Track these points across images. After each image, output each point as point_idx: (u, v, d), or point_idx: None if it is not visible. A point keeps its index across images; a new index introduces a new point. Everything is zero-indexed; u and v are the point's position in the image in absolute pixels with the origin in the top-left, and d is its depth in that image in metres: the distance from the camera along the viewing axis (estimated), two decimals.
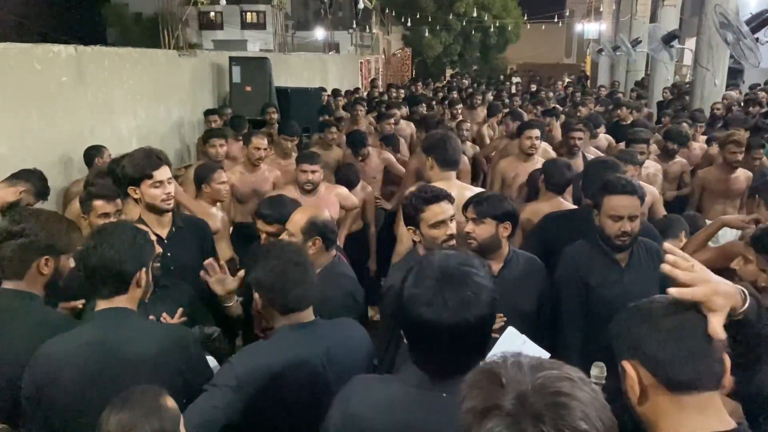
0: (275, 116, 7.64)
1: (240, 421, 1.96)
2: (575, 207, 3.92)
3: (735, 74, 12.48)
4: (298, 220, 2.74)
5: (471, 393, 1.07)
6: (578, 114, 8.66)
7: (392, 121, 7.06)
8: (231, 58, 8.74)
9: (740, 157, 5.01)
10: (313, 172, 4.28)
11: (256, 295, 2.14)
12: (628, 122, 7.77)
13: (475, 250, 2.79)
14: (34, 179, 3.89)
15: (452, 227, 2.73)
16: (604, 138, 6.89)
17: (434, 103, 11.66)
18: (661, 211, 4.46)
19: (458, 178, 3.71)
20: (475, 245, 2.83)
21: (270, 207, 3.08)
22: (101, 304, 2.06)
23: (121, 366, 1.94)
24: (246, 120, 7.18)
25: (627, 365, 1.40)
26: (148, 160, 2.89)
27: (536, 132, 5.02)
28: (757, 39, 6.61)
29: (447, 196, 2.75)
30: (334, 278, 2.70)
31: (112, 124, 6.14)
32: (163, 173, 2.89)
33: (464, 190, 3.37)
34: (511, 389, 1.03)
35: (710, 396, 1.34)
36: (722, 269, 2.67)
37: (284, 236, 2.73)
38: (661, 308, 1.42)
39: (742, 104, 8.62)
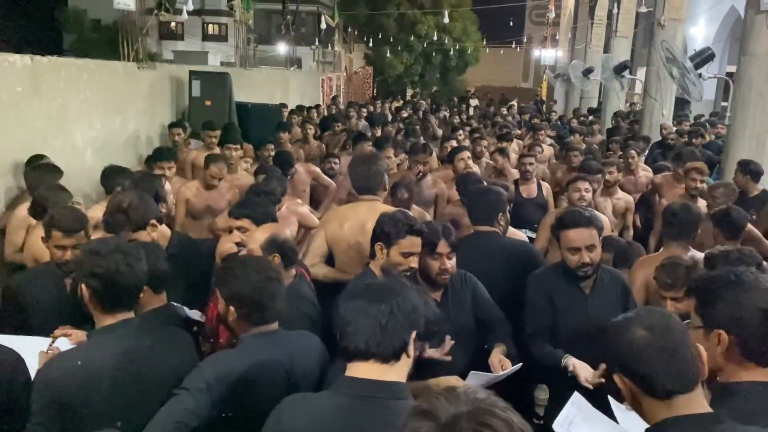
0: (214, 139, 6.97)
1: (211, 423, 2.02)
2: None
3: (683, 105, 13.01)
4: (258, 237, 2.80)
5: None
6: (539, 138, 8.89)
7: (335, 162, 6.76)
8: (191, 72, 8.69)
9: (702, 185, 5.13)
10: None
11: (229, 308, 2.18)
12: (582, 148, 8.03)
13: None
14: None
15: (416, 261, 2.84)
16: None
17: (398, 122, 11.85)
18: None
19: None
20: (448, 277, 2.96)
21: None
22: (112, 318, 2.12)
23: (150, 372, 2.09)
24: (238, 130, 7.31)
25: (617, 378, 1.60)
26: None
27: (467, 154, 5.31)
28: (699, 75, 6.94)
29: (424, 232, 2.85)
30: (293, 300, 2.72)
31: (66, 134, 6.05)
32: None
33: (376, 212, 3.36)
34: (444, 414, 1.10)
35: (693, 395, 1.53)
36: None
37: (243, 254, 2.77)
38: (635, 324, 1.58)
39: (685, 136, 8.99)
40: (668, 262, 2.96)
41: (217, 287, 2.25)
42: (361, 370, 1.69)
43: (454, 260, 2.97)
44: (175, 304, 2.76)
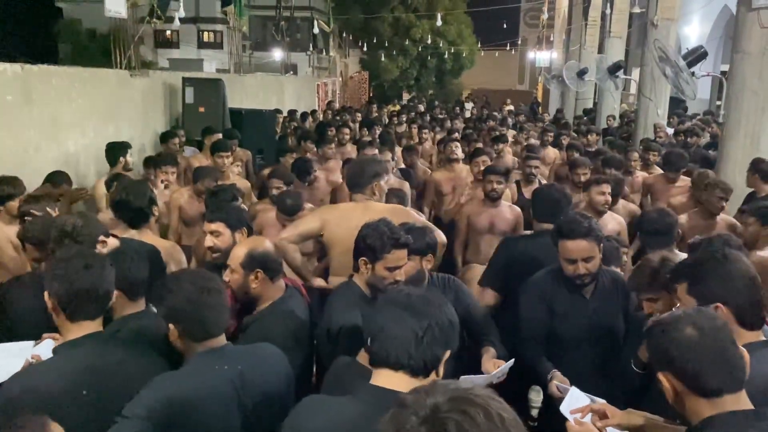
0: (176, 146, 7.16)
1: None
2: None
3: (677, 104, 13.02)
4: (236, 254, 2.68)
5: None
6: (527, 140, 8.91)
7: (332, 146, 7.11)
8: (184, 79, 8.69)
9: (725, 205, 4.69)
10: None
11: (170, 327, 2.08)
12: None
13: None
14: None
15: (402, 273, 2.75)
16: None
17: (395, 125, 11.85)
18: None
19: None
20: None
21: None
22: (78, 329, 2.06)
23: (116, 389, 1.98)
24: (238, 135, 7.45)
25: (662, 377, 1.62)
26: None
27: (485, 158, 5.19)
28: (693, 73, 6.94)
29: (410, 244, 2.77)
30: (279, 316, 2.65)
31: (59, 142, 6.04)
32: None
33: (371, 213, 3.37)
34: (422, 407, 1.11)
35: (739, 394, 1.57)
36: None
37: (226, 274, 2.67)
38: (684, 323, 1.61)
39: (681, 135, 9.00)
40: (637, 265, 2.93)
41: (154, 306, 2.16)
42: (387, 379, 1.64)
43: (411, 264, 2.88)
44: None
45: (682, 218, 5.12)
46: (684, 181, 5.85)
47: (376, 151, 6.42)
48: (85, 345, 2.05)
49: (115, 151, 5.64)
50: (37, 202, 3.59)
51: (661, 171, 6.37)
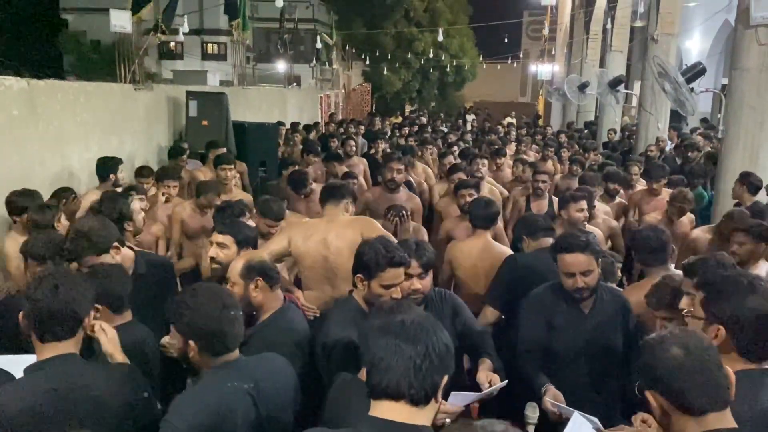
0: (184, 163, 7.21)
1: None
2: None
3: (678, 117, 13.07)
4: (235, 267, 2.75)
5: None
6: (524, 154, 8.96)
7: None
8: (188, 93, 8.76)
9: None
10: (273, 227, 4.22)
11: (189, 343, 2.11)
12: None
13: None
14: None
15: (399, 290, 2.76)
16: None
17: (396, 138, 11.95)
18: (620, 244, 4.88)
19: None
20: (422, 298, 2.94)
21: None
22: (48, 350, 2.05)
23: (80, 412, 1.96)
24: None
25: (649, 395, 1.66)
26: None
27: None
28: (692, 89, 6.99)
29: (406, 263, 2.78)
30: (280, 326, 2.72)
31: (63, 157, 6.09)
32: None
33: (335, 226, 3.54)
34: None
35: (724, 413, 1.61)
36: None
37: (230, 287, 2.72)
38: (670, 343, 1.65)
39: (683, 148, 9.04)
40: (659, 282, 2.99)
41: (172, 323, 2.15)
42: (388, 410, 1.62)
43: (427, 279, 2.95)
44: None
45: (645, 218, 5.38)
46: (666, 193, 5.87)
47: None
48: (51, 366, 2.03)
49: (107, 167, 5.54)
50: (44, 213, 3.67)
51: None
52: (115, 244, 3.01)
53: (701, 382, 1.59)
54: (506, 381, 2.65)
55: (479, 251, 4.06)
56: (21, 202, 4.11)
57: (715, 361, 1.63)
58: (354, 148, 8.29)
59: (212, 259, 3.21)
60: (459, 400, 2.38)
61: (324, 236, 3.54)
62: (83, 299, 2.11)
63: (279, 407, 2.19)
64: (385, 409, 1.63)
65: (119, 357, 2.31)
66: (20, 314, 2.09)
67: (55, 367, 2.03)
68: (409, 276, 2.86)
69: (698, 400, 1.59)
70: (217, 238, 3.25)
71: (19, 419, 1.90)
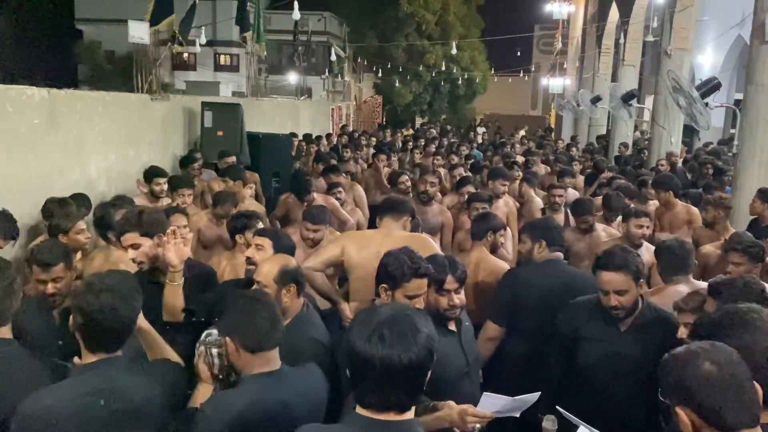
0: (196, 171, 7.16)
1: None
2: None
3: (691, 132, 13.04)
4: (269, 270, 2.76)
5: None
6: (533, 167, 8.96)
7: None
8: (203, 103, 8.84)
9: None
10: (315, 231, 4.29)
11: (228, 343, 2.17)
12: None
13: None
14: (2, 220, 3.92)
15: (422, 301, 2.79)
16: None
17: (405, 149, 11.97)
18: None
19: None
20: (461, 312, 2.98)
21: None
22: (96, 356, 2.06)
23: (123, 416, 1.99)
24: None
25: (680, 411, 1.63)
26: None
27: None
28: (706, 104, 6.99)
29: (430, 274, 2.81)
30: (305, 327, 2.77)
31: (82, 166, 6.16)
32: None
33: (391, 240, 3.52)
34: None
35: (755, 429, 1.59)
36: None
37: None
38: (702, 359, 1.63)
39: (695, 164, 9.01)
40: (693, 291, 3.01)
41: (217, 324, 2.23)
42: (375, 412, 1.65)
43: (462, 294, 2.97)
44: None
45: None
46: (682, 206, 5.81)
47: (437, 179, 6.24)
48: (96, 369, 2.06)
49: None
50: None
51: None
52: (160, 234, 3.03)
53: (735, 397, 1.57)
54: (538, 393, 2.61)
55: (474, 265, 4.04)
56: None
57: (746, 376, 1.62)
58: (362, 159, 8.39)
59: (248, 259, 3.24)
60: (490, 404, 2.34)
61: (378, 249, 3.43)
62: (137, 306, 2.15)
63: (310, 420, 2.21)
64: (371, 411, 1.66)
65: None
66: (72, 317, 2.10)
67: (100, 370, 2.06)
68: (446, 291, 2.89)
69: (732, 416, 1.57)
70: (257, 239, 3.29)
71: (63, 423, 1.93)
